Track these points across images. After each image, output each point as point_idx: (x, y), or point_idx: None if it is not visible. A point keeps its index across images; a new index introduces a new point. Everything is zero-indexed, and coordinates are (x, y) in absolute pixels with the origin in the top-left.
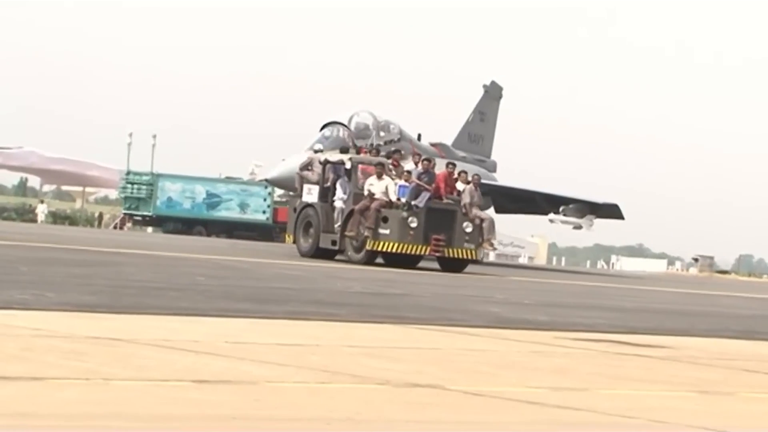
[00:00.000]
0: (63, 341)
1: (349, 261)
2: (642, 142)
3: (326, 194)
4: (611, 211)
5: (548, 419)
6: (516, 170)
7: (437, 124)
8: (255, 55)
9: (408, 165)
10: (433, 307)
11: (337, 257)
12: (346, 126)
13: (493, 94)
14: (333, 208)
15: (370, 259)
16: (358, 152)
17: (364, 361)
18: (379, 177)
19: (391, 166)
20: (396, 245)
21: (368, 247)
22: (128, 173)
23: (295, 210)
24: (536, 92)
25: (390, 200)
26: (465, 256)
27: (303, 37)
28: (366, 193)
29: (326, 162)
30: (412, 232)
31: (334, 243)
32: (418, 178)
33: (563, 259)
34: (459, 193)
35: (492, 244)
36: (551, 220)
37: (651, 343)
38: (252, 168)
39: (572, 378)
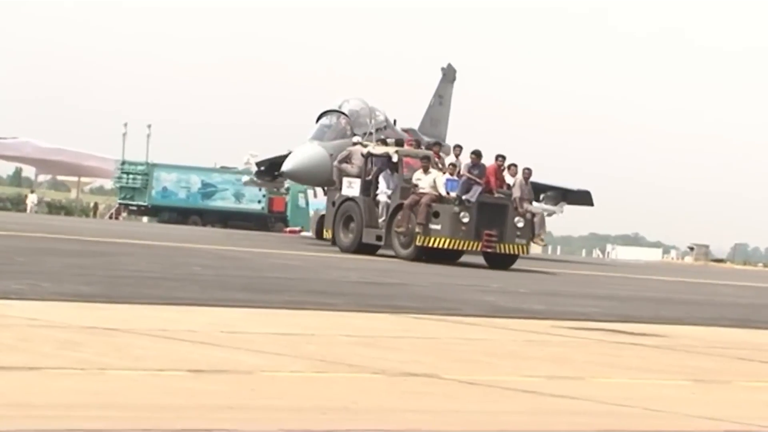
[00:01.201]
0: (59, 331)
1: (396, 257)
2: (636, 131)
3: (368, 188)
4: (583, 198)
5: (544, 408)
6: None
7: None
8: (250, 44)
9: (448, 158)
10: (429, 296)
11: (380, 252)
12: (345, 114)
13: (449, 76)
14: (376, 203)
15: (418, 255)
16: (400, 144)
17: (360, 351)
18: (426, 170)
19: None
20: (447, 241)
21: (418, 242)
22: (123, 163)
23: (333, 204)
24: (522, 76)
25: (439, 194)
26: (516, 252)
27: (297, 27)
28: (414, 187)
29: (369, 155)
30: (464, 228)
31: (378, 238)
32: (468, 171)
33: (558, 248)
34: (508, 186)
35: (542, 240)
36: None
37: (646, 332)
38: (247, 158)
39: (568, 367)
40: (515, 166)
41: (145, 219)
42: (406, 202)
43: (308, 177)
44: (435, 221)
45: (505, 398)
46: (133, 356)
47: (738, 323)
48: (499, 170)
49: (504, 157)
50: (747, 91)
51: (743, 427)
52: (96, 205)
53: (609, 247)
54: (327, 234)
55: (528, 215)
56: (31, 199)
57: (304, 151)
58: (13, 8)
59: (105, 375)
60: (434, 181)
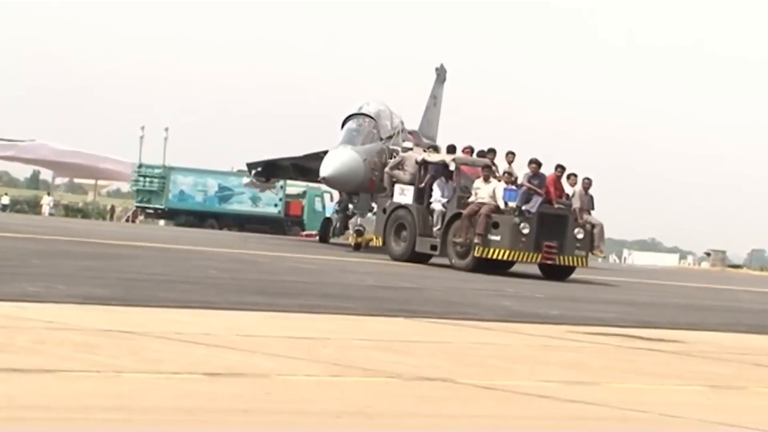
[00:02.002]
0: (75, 334)
1: (452, 267)
2: (652, 137)
3: (422, 195)
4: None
5: (560, 413)
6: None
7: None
8: (268, 49)
9: (501, 165)
10: (445, 300)
11: (434, 262)
12: (371, 117)
13: (441, 77)
14: (430, 211)
15: (476, 266)
16: (448, 151)
17: (375, 355)
18: (486, 180)
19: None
20: (507, 252)
21: (476, 253)
22: (140, 166)
23: (384, 211)
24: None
25: (497, 205)
26: (576, 264)
27: (311, 32)
28: (473, 196)
29: (423, 162)
30: (524, 239)
31: (433, 248)
32: (528, 181)
33: None
34: (568, 196)
35: (602, 251)
36: None
37: (663, 338)
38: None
39: (584, 372)
40: (575, 175)
41: (161, 222)
42: (465, 211)
43: (346, 182)
44: (494, 232)
45: (520, 403)
46: (148, 359)
47: (755, 329)
48: (558, 180)
49: (563, 167)
50: (763, 98)
51: None
52: (113, 208)
53: (626, 252)
54: (377, 241)
55: (588, 226)
56: (46, 201)
57: (339, 155)
58: (31, 12)
59: (121, 378)
60: (494, 191)
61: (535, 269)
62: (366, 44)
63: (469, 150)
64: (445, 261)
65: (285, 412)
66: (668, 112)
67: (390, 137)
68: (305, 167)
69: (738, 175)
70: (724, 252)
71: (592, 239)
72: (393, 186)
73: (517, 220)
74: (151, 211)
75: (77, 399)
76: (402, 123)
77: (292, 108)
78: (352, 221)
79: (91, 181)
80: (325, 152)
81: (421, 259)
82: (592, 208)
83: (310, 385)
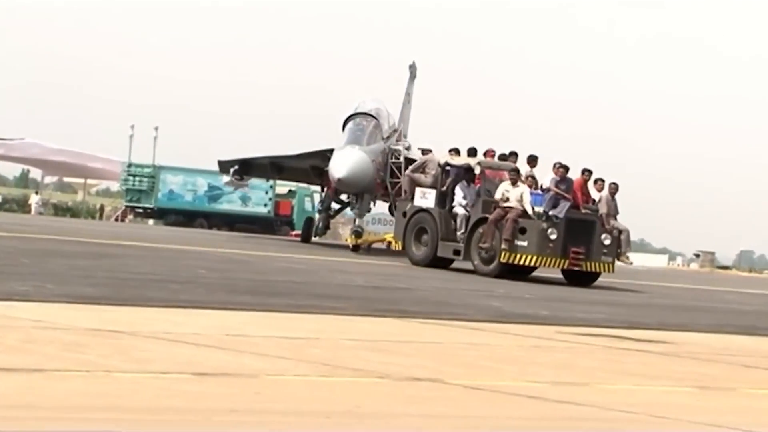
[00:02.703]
0: (64, 333)
1: (476, 273)
2: (640, 137)
3: (444, 199)
4: None
5: (549, 414)
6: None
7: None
8: (256, 49)
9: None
10: (435, 301)
11: (456, 266)
12: (373, 116)
13: (413, 74)
14: (452, 215)
15: (501, 272)
16: (469, 154)
17: (364, 355)
18: (513, 184)
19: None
20: (534, 258)
21: (503, 259)
22: (130, 165)
23: (404, 215)
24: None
25: (524, 209)
26: (602, 270)
27: (303, 32)
28: (501, 201)
29: (446, 165)
30: (551, 245)
31: (456, 252)
32: (555, 185)
33: None
34: (593, 201)
35: (628, 258)
36: None
37: (652, 338)
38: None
39: (573, 373)
40: (602, 180)
41: (151, 221)
42: (492, 216)
43: (357, 183)
44: (521, 238)
45: (509, 403)
46: (137, 359)
47: (743, 330)
48: (585, 185)
49: (590, 172)
50: (752, 99)
51: None
52: (102, 207)
53: None
54: (397, 246)
55: (615, 232)
56: (34, 200)
57: (351, 156)
58: (20, 10)
59: (109, 377)
60: (521, 196)
61: (554, 274)
62: (350, 42)
63: (492, 153)
64: (467, 266)
65: (274, 412)
66: (657, 112)
67: (389, 137)
68: (284, 166)
69: (727, 176)
70: (713, 253)
71: (619, 245)
72: (413, 189)
73: (544, 225)
74: (141, 210)
75: (66, 398)
76: (396, 122)
77: (281, 107)
78: (343, 222)
79: (81, 180)
80: (313, 153)
81: (443, 264)
82: (618, 213)
83: (299, 385)
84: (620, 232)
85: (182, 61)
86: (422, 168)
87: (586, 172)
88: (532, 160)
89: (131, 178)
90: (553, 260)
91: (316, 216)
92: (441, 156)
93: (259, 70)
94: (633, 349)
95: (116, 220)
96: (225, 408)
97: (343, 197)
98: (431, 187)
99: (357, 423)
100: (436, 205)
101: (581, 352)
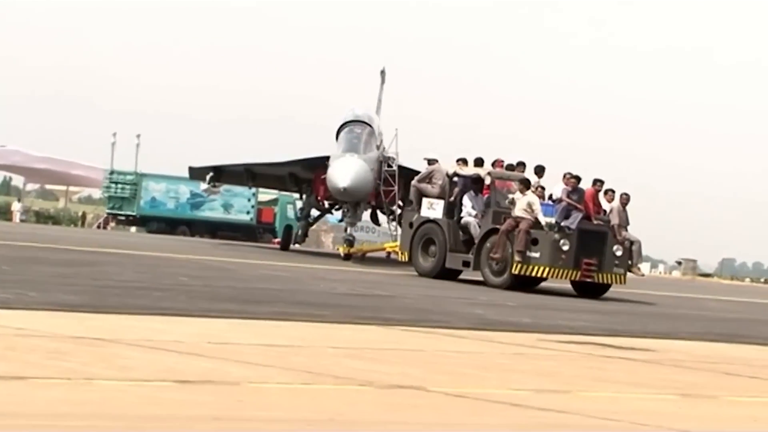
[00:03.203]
0: (46, 341)
1: (486, 284)
2: (624, 146)
3: (453, 210)
4: None
5: (531, 421)
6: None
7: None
8: (238, 55)
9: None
10: (417, 308)
11: (465, 277)
12: (368, 124)
13: (383, 79)
14: (460, 226)
15: (513, 284)
16: (475, 164)
17: (347, 363)
18: (523, 194)
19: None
20: (546, 270)
21: (515, 271)
22: (112, 173)
23: (411, 225)
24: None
25: (536, 220)
26: (614, 282)
27: (286, 37)
28: (513, 211)
29: (455, 175)
30: (563, 256)
31: (465, 264)
32: (567, 196)
33: None
34: (604, 212)
35: (640, 269)
36: None
37: (634, 346)
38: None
39: (555, 380)
40: (612, 191)
41: (133, 229)
42: (503, 227)
43: (359, 192)
44: (533, 249)
45: (492, 411)
46: (119, 366)
47: (725, 338)
48: (596, 195)
49: (602, 182)
50: (735, 107)
51: None
52: (84, 215)
53: None
54: (403, 257)
55: (626, 243)
56: (16, 208)
57: (352, 165)
58: (1, 17)
59: (91, 385)
60: (528, 205)
61: (561, 285)
62: (327, 49)
63: (501, 163)
64: (475, 277)
65: (256, 420)
66: (639, 120)
67: (380, 144)
68: (258, 173)
69: (709, 184)
70: (695, 261)
71: (630, 256)
72: (420, 200)
73: (557, 236)
74: (123, 217)
75: (48, 406)
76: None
77: (263, 114)
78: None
79: (63, 188)
80: (293, 161)
81: (451, 275)
82: (628, 224)
83: (282, 392)
84: (632, 243)
85: (165, 69)
86: (428, 178)
87: (598, 183)
88: (540, 171)
89: (113, 185)
90: (566, 272)
91: (296, 224)
92: (449, 166)
93: (241, 78)
94: (615, 356)
95: (98, 227)
96: (207, 416)
97: (326, 204)
98: (438, 197)
99: (339, 431)
100: (444, 216)
101: (564, 359)
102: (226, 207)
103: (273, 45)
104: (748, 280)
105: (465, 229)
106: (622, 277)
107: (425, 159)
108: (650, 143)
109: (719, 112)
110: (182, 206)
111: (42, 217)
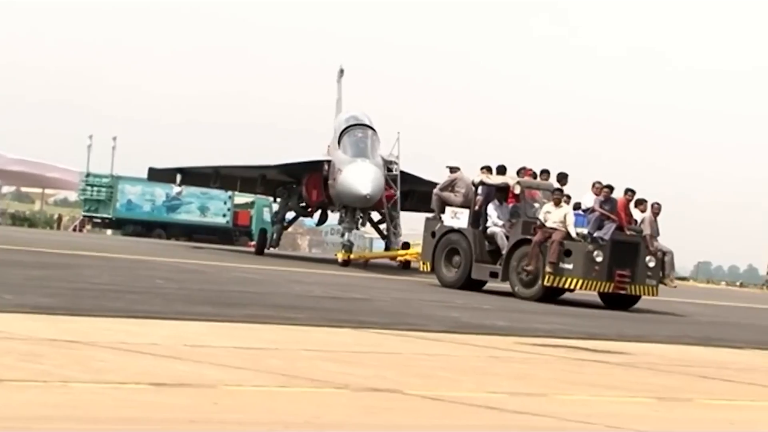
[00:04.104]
0: (21, 343)
1: (515, 296)
2: (601, 147)
3: (478, 219)
4: None
5: (507, 424)
6: None
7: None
8: (214, 57)
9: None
10: (393, 311)
11: (491, 288)
12: (372, 128)
13: (341, 77)
14: (486, 236)
15: (544, 296)
16: (498, 171)
17: (322, 365)
18: (557, 204)
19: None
20: (579, 282)
21: (547, 282)
22: (88, 175)
23: (433, 235)
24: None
25: (568, 231)
26: (647, 294)
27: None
28: (545, 222)
29: (481, 183)
30: (597, 268)
31: (493, 274)
32: (600, 206)
33: None
34: (635, 222)
35: (673, 281)
36: None
37: (610, 349)
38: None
39: (531, 383)
40: (644, 201)
41: (109, 232)
42: (536, 238)
43: (376, 198)
44: (566, 260)
45: (467, 414)
46: (95, 369)
47: (700, 341)
48: (627, 205)
49: (633, 192)
50: (712, 110)
51: None
52: (60, 217)
53: None
54: (425, 267)
55: (659, 254)
56: None
57: (371, 172)
58: None
59: (67, 387)
60: (564, 217)
61: (585, 296)
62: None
63: (530, 172)
64: (502, 288)
65: (232, 423)
66: (616, 120)
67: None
68: (226, 175)
69: (684, 187)
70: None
71: (663, 267)
72: (442, 208)
73: (590, 247)
74: (99, 220)
75: (23, 409)
76: None
77: (239, 117)
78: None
79: (39, 190)
80: (267, 166)
81: (476, 286)
82: (659, 234)
83: (258, 395)
84: (664, 254)
85: (142, 72)
86: (451, 186)
87: (629, 192)
88: (562, 178)
89: (89, 188)
90: (599, 283)
91: (271, 228)
92: (475, 175)
93: (216, 80)
94: (590, 359)
95: (74, 230)
96: (183, 418)
97: (316, 209)
98: (461, 206)
99: None
100: (470, 226)
101: (539, 362)
102: (202, 210)
103: (255, 48)
104: (723, 283)
105: (491, 239)
106: (655, 288)
107: (447, 167)
108: (623, 146)
109: (695, 115)
110: (158, 209)
111: (17, 220)
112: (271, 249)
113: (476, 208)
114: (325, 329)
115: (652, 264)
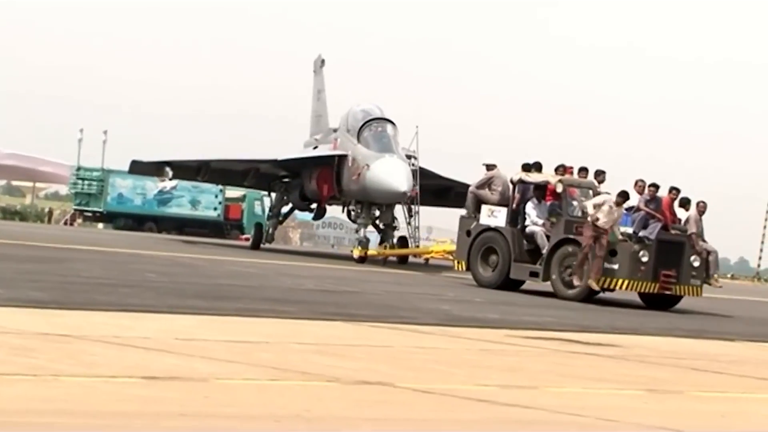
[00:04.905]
0: (12, 337)
1: (557, 297)
2: (589, 142)
3: (517, 218)
4: None
5: (498, 417)
6: None
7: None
8: (205, 49)
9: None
10: (385, 305)
11: (529, 288)
12: (391, 122)
13: (321, 67)
14: (525, 235)
15: (588, 296)
16: (535, 169)
17: (314, 359)
18: (618, 206)
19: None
20: (626, 282)
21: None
22: (79, 169)
23: (468, 233)
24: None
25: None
26: (692, 294)
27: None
28: (598, 222)
29: (520, 181)
30: (642, 268)
31: (533, 274)
32: (645, 205)
33: None
34: (679, 221)
35: (717, 281)
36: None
37: (601, 342)
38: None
39: (522, 376)
40: (688, 200)
41: (100, 225)
42: (587, 240)
43: (408, 195)
44: (612, 261)
45: (459, 407)
46: (86, 363)
47: (691, 334)
48: (672, 204)
49: (678, 190)
50: (693, 103)
51: None
52: (51, 211)
53: None
54: (460, 267)
55: (704, 253)
56: None
57: (401, 167)
58: None
59: (58, 381)
60: (616, 219)
61: (618, 295)
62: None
63: (571, 170)
64: (542, 288)
65: (223, 416)
66: (597, 113)
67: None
68: (214, 169)
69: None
70: None
71: (707, 267)
72: (478, 206)
73: (636, 247)
74: (90, 214)
75: (14, 402)
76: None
77: (234, 112)
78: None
79: (29, 184)
80: (259, 160)
81: (514, 285)
82: (703, 234)
83: (249, 389)
84: (708, 253)
85: (133, 64)
86: (487, 184)
87: (674, 191)
88: (599, 174)
89: (80, 181)
90: (644, 284)
91: (266, 222)
92: (514, 173)
93: (208, 72)
94: (582, 352)
95: (65, 224)
96: (174, 412)
97: (325, 205)
98: (498, 204)
99: (306, 427)
100: (508, 224)
101: (530, 355)
102: (194, 203)
103: (248, 40)
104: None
105: (530, 238)
106: (699, 289)
107: (484, 164)
108: (629, 141)
109: (696, 109)
110: (149, 202)
111: (8, 213)
112: (267, 244)
113: (514, 206)
114: (317, 322)
115: (696, 264)
